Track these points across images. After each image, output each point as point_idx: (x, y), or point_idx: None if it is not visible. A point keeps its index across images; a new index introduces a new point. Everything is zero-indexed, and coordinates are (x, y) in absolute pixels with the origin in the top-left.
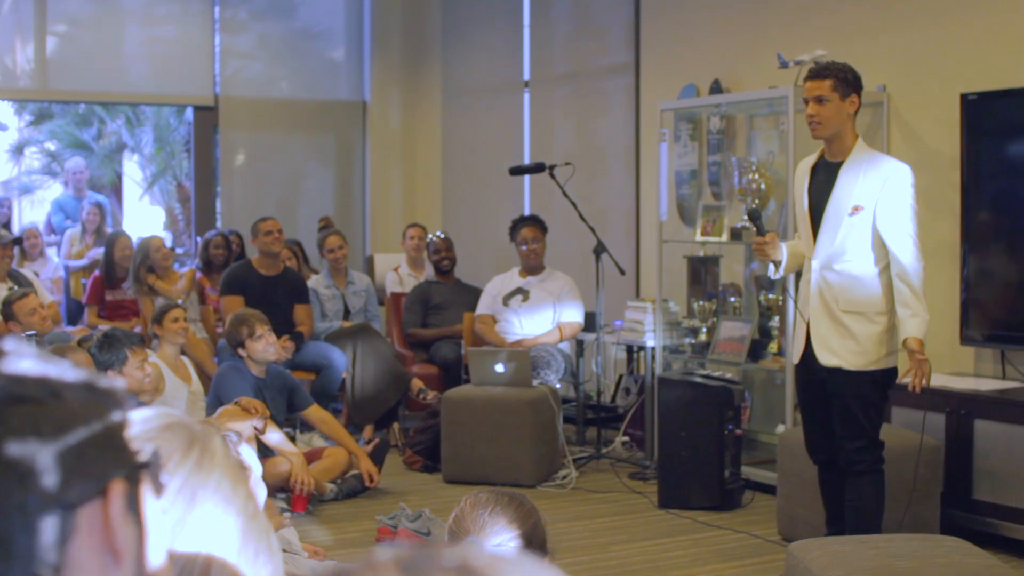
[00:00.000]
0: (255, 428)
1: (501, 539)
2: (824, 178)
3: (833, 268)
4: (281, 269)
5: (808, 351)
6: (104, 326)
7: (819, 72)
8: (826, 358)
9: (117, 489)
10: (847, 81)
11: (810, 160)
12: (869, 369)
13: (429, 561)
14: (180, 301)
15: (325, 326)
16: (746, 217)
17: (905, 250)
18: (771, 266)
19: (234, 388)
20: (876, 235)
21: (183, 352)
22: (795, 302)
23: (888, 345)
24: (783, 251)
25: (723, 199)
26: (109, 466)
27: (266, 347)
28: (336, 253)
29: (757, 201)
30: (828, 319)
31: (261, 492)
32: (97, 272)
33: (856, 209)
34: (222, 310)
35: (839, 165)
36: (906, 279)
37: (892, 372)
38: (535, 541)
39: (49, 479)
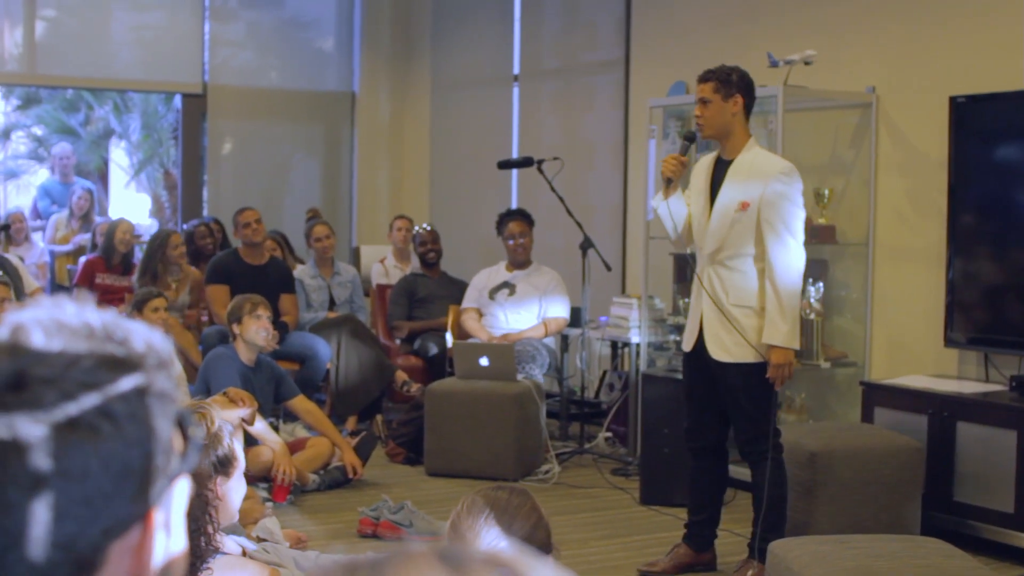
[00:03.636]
0: (242, 419)
1: (504, 537)
2: (716, 176)
3: (722, 263)
4: (267, 258)
5: (700, 342)
6: None
7: (704, 75)
8: (716, 352)
9: (156, 516)
10: (729, 83)
11: (709, 158)
12: (757, 361)
13: (466, 553)
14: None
15: (310, 316)
16: (682, 138)
17: (777, 251)
18: (659, 195)
19: (222, 375)
20: (760, 232)
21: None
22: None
23: None
24: (679, 197)
25: None
26: (156, 486)
27: (259, 329)
28: (323, 243)
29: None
30: (718, 313)
31: (241, 487)
32: (95, 255)
33: (743, 205)
34: (207, 299)
35: (730, 163)
36: (773, 280)
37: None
38: (537, 539)
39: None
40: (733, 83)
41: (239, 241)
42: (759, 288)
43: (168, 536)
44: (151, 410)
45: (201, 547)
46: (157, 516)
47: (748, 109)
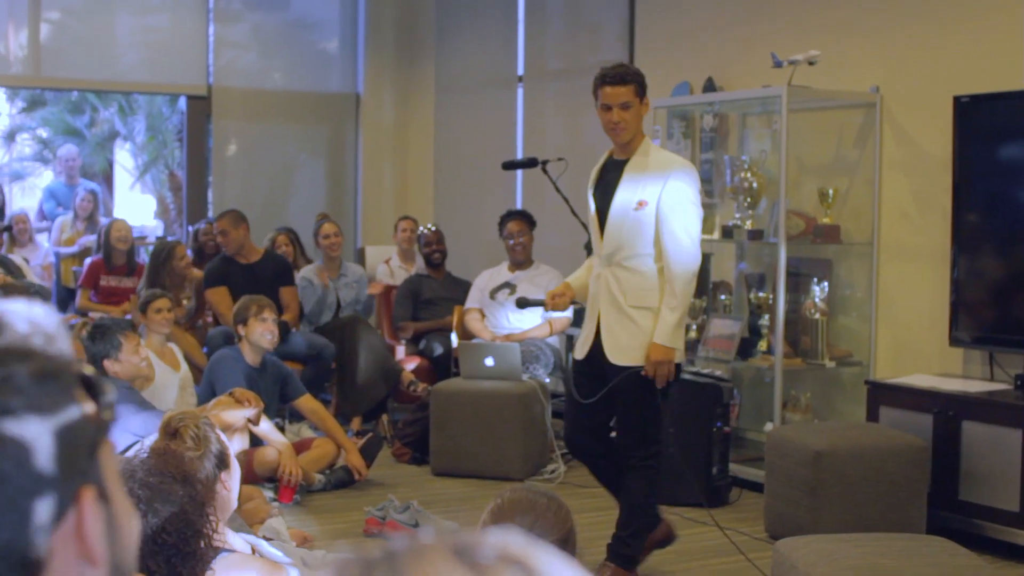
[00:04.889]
0: (248, 419)
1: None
2: (612, 176)
3: (620, 264)
4: (261, 254)
5: (595, 348)
6: (95, 313)
7: (621, 79)
8: (615, 356)
9: (89, 492)
10: (642, 85)
11: (599, 162)
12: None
13: (478, 547)
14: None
15: (324, 315)
16: (517, 303)
17: (672, 251)
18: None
19: (228, 377)
20: (658, 231)
21: (171, 339)
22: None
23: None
24: (570, 294)
25: (715, 197)
26: (83, 463)
27: (264, 332)
28: (331, 239)
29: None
30: (617, 315)
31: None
32: (98, 256)
33: (641, 204)
34: (210, 303)
35: (625, 162)
36: (669, 277)
37: (676, 368)
38: (569, 546)
39: (31, 478)
40: (644, 85)
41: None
42: (659, 288)
43: (108, 505)
44: (50, 390)
45: (200, 550)
46: (88, 492)
47: None
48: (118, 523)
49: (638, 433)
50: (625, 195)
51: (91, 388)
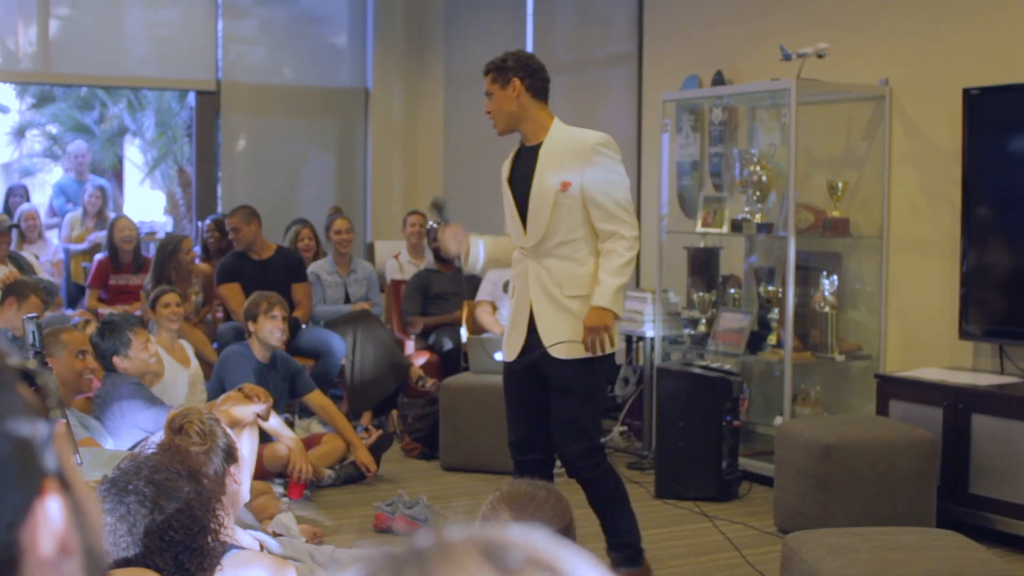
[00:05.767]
0: (257, 415)
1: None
2: (525, 165)
3: (551, 253)
4: (274, 250)
5: (528, 346)
6: (103, 310)
7: (484, 71)
8: (559, 351)
9: (51, 484)
10: (503, 69)
11: (511, 154)
12: (594, 356)
13: (507, 548)
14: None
15: (324, 309)
16: (431, 205)
17: (612, 227)
18: (459, 257)
19: (237, 372)
20: (587, 211)
21: (181, 336)
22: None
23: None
24: (478, 245)
25: (724, 191)
26: (39, 456)
27: (273, 329)
28: (342, 235)
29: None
30: (553, 308)
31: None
32: (105, 254)
33: (564, 186)
34: (222, 299)
35: (538, 147)
36: (608, 250)
37: (610, 359)
38: (569, 537)
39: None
40: (509, 67)
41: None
42: (593, 273)
43: (71, 492)
44: None
45: (207, 546)
46: (50, 484)
47: (536, 89)
48: (83, 508)
49: (584, 438)
50: (545, 180)
51: (32, 381)
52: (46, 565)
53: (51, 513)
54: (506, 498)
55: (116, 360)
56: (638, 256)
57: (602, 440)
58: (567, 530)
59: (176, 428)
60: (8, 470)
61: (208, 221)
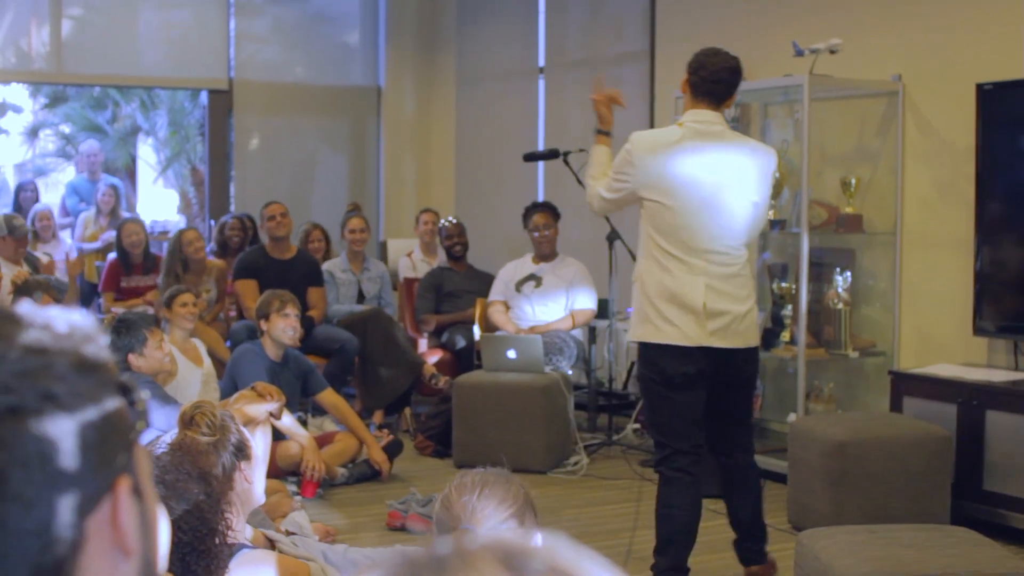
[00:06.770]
0: (270, 414)
1: (494, 521)
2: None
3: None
4: (295, 252)
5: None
6: (117, 309)
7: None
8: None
9: (125, 483)
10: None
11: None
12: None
13: (527, 557)
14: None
15: (338, 308)
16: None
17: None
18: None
19: (249, 371)
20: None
21: (194, 334)
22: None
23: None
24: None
25: None
26: (119, 455)
27: (286, 328)
28: (356, 235)
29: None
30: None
31: (261, 466)
32: (113, 256)
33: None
34: (237, 294)
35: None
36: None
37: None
38: (527, 518)
39: (70, 461)
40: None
41: (267, 237)
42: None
43: (142, 501)
44: (89, 381)
45: (215, 547)
46: (124, 482)
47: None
48: (150, 520)
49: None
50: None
51: (125, 391)
52: (105, 558)
53: (121, 510)
54: (455, 492)
55: (131, 358)
56: None
57: (615, 438)
58: (523, 514)
59: (187, 420)
60: (90, 458)
61: (228, 219)
